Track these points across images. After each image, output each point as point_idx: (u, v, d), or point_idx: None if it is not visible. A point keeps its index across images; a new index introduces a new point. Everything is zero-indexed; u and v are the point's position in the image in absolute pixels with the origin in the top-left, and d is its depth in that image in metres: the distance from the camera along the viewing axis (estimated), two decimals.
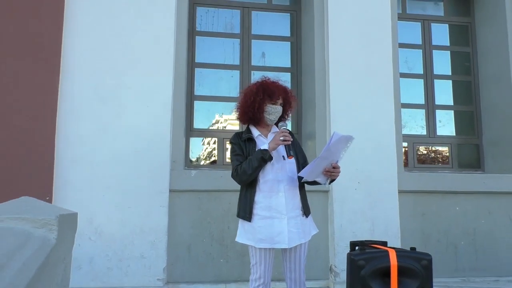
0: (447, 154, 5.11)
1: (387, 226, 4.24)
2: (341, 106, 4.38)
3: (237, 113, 2.60)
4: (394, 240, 4.21)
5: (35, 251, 1.39)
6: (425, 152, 5.16)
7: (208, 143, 4.93)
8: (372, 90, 4.45)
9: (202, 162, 4.85)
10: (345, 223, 4.19)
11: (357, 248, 1.95)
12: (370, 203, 4.26)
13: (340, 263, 4.12)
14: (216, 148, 4.77)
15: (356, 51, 4.49)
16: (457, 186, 4.54)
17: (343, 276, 3.93)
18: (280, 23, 5.13)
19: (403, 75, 4.98)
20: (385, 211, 4.26)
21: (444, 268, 4.39)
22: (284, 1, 5.15)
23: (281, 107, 2.53)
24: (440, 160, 5.17)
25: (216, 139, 4.80)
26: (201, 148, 4.91)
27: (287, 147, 2.36)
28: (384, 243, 1.87)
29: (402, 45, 5.00)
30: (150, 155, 4.00)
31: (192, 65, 4.78)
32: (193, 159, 4.77)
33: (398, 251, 1.74)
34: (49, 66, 3.87)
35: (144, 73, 4.11)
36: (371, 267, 1.67)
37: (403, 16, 5.21)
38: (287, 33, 5.11)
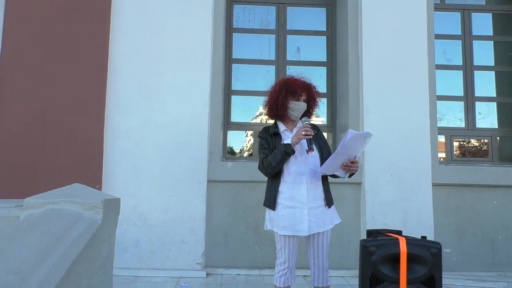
0: (487, 147, 5.00)
1: (420, 219, 4.27)
2: (374, 99, 4.43)
3: (265, 110, 2.77)
4: (427, 233, 4.23)
5: (84, 229, 1.65)
6: (464, 145, 5.09)
7: (245, 136, 5.13)
8: (406, 83, 4.45)
9: (238, 154, 5.07)
10: (377, 214, 4.26)
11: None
12: (403, 195, 4.29)
13: None
14: (252, 140, 4.97)
15: (390, 44, 4.51)
16: (495, 180, 4.46)
17: None
18: (316, 18, 5.21)
19: (441, 67, 4.93)
20: (418, 204, 4.28)
21: (479, 262, 4.36)
22: None
23: (305, 103, 2.66)
24: (480, 153, 5.07)
25: (252, 131, 4.99)
26: (238, 141, 5.13)
27: (309, 141, 2.49)
28: (399, 232, 1.97)
29: (440, 36, 4.95)
30: (189, 147, 4.27)
31: (229, 61, 4.99)
32: (230, 151, 5.00)
33: (408, 239, 1.84)
34: (97, 67, 4.23)
35: (184, 70, 4.37)
36: (381, 253, 1.79)
37: (441, 6, 5.13)
38: (323, 27, 5.18)
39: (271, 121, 2.80)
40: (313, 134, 2.47)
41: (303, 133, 2.44)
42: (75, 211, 1.69)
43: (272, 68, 5.03)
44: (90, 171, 4.12)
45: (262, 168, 2.60)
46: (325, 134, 4.70)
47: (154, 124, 4.29)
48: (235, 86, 5.02)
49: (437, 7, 5.01)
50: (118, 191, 4.01)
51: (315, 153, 2.55)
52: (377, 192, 4.30)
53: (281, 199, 2.55)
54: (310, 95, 2.68)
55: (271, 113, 2.70)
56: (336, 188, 2.77)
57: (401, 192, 4.30)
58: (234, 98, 5.00)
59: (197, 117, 4.34)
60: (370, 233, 2.05)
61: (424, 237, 1.86)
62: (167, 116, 4.30)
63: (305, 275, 3.99)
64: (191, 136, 4.30)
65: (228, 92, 4.93)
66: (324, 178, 2.62)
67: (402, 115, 4.40)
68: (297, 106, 2.61)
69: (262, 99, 4.94)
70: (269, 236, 4.30)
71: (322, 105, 4.91)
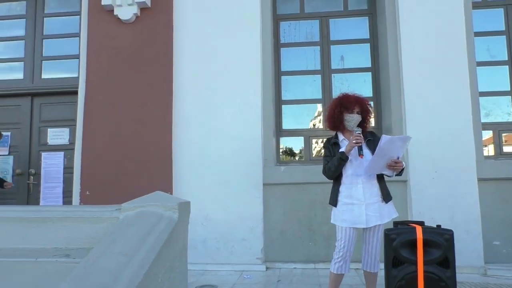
0: None
1: (466, 213, 4.44)
2: (416, 100, 4.68)
3: (326, 123, 3.27)
4: (475, 226, 4.41)
5: (165, 225, 2.20)
6: None
7: (296, 142, 5.56)
8: (446, 82, 4.65)
9: (291, 159, 5.51)
10: (423, 210, 4.50)
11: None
12: (449, 191, 4.50)
13: None
14: (303, 145, 5.39)
15: (428, 45, 4.73)
16: None
17: None
18: (358, 27, 5.52)
19: (484, 63, 5.04)
20: (464, 199, 4.46)
21: None
22: (359, 6, 5.53)
23: (359, 115, 3.08)
24: None
25: (303, 137, 5.42)
26: (290, 146, 5.57)
27: (359, 148, 2.90)
28: (421, 223, 2.30)
29: (482, 34, 5.07)
30: (245, 154, 4.79)
31: (278, 73, 5.46)
32: (283, 156, 5.46)
33: (425, 227, 2.18)
34: (164, 90, 4.92)
35: (237, 86, 4.91)
36: (401, 239, 2.15)
37: (483, 4, 5.22)
38: (366, 35, 5.48)
39: (321, 126, 3.25)
40: (362, 141, 2.89)
41: (354, 141, 2.87)
42: (158, 212, 2.25)
43: (318, 78, 5.43)
44: (162, 179, 4.79)
45: (324, 172, 3.10)
46: None
47: (213, 135, 4.87)
48: (284, 96, 5.48)
49: (478, 5, 5.13)
50: (186, 195, 4.62)
51: (367, 157, 2.94)
52: (422, 189, 4.54)
53: (341, 197, 2.99)
54: (363, 107, 3.10)
55: (330, 125, 3.19)
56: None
57: (446, 188, 4.51)
58: (285, 108, 5.46)
59: (251, 127, 4.85)
60: (396, 224, 2.41)
61: (439, 226, 2.20)
62: (224, 127, 4.86)
63: (357, 268, 4.33)
64: (247, 144, 4.82)
65: (279, 102, 5.40)
66: (380, 177, 3.02)
67: (444, 113, 4.61)
68: (351, 118, 3.05)
69: (310, 106, 5.42)
70: (321, 232, 4.70)
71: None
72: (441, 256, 2.10)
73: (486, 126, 4.96)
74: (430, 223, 4.37)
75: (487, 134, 5.04)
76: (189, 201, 2.51)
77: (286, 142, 5.49)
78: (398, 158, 2.90)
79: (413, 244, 2.13)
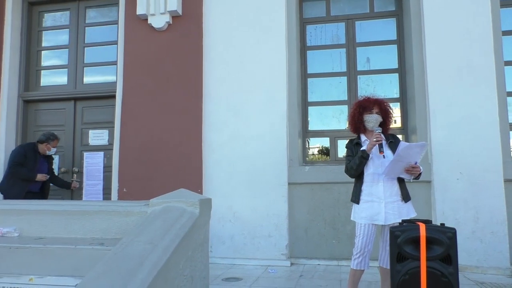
0: None
1: (492, 214, 4.43)
2: (440, 101, 4.70)
3: (348, 127, 3.42)
4: (501, 228, 4.39)
5: (188, 219, 2.43)
6: None
7: (322, 142, 5.70)
8: (472, 82, 4.64)
9: (316, 159, 5.65)
10: (447, 210, 4.53)
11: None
12: (473, 192, 4.49)
13: None
14: (328, 146, 5.53)
15: (453, 45, 4.74)
16: None
17: None
18: (385, 28, 5.57)
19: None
20: (489, 200, 4.45)
21: None
22: (386, 7, 5.58)
23: (378, 115, 3.21)
24: None
25: (328, 138, 5.54)
26: (315, 147, 5.71)
27: (380, 146, 3.03)
28: (427, 221, 2.40)
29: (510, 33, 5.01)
30: (271, 155, 4.99)
31: (305, 76, 5.62)
32: (308, 157, 5.61)
33: (428, 225, 2.28)
34: (194, 95, 5.22)
35: (263, 89, 5.11)
36: (405, 236, 2.27)
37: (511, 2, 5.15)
38: (393, 36, 5.53)
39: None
40: (383, 139, 3.02)
41: (374, 139, 3.01)
42: (181, 207, 2.49)
43: (344, 79, 5.54)
44: (193, 178, 5.07)
45: (346, 171, 3.25)
46: (399, 136, 5.08)
47: (241, 137, 5.10)
48: (311, 98, 5.62)
49: (506, 4, 5.07)
50: (215, 194, 4.89)
51: (389, 156, 3.06)
52: (447, 190, 4.56)
53: (363, 195, 3.14)
54: (381, 108, 3.24)
55: (352, 128, 3.35)
56: (407, 186, 3.21)
57: (471, 188, 4.51)
58: (311, 109, 5.61)
59: (276, 128, 5.04)
60: (403, 222, 2.54)
61: (442, 224, 2.30)
62: (251, 129, 5.08)
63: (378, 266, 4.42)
64: (273, 145, 5.01)
65: (305, 104, 5.55)
66: (400, 178, 3.13)
67: (469, 114, 4.60)
68: (370, 118, 3.19)
69: (336, 108, 5.54)
70: (345, 231, 4.82)
71: (395, 109, 5.34)
72: (444, 253, 2.21)
73: None
74: (454, 224, 4.43)
75: None
76: (210, 198, 2.74)
77: (312, 143, 5.64)
78: (415, 163, 3.01)
79: (416, 241, 2.25)
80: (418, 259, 2.23)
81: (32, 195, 4.90)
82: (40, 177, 4.92)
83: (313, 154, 5.69)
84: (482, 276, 4.27)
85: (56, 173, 5.48)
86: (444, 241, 2.22)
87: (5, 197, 4.91)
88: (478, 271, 4.37)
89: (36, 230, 2.70)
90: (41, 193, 5.05)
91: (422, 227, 2.25)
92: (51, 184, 5.23)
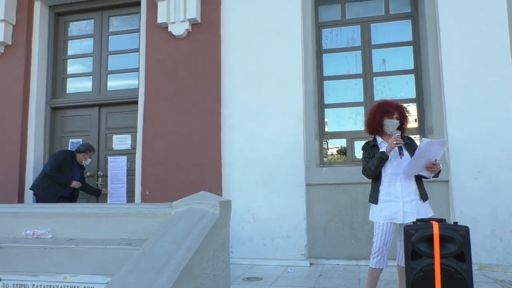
0: None
1: (511, 212, 4.43)
2: (456, 101, 4.73)
3: (365, 128, 3.49)
4: None
5: (209, 220, 2.57)
6: None
7: (339, 143, 5.78)
8: (488, 81, 4.67)
9: (335, 159, 5.73)
10: (465, 209, 4.55)
11: None
12: (491, 190, 4.51)
13: None
14: (345, 147, 5.60)
15: (468, 46, 4.78)
16: None
17: None
18: (400, 30, 5.62)
19: None
20: (508, 198, 4.46)
21: None
22: (402, 9, 5.62)
23: (397, 120, 3.28)
24: None
25: (345, 139, 5.62)
26: (332, 148, 5.80)
27: (399, 148, 3.12)
28: (441, 220, 2.48)
29: None
30: (289, 157, 5.10)
31: (321, 79, 5.70)
32: (327, 157, 5.70)
33: (441, 224, 2.35)
34: (213, 99, 5.38)
35: (280, 92, 5.23)
36: (419, 235, 2.35)
37: None
38: (409, 38, 5.57)
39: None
40: (402, 143, 3.10)
41: (394, 142, 3.09)
42: (203, 208, 2.63)
43: (359, 81, 5.61)
44: (212, 180, 5.22)
45: (364, 172, 3.33)
46: (415, 136, 5.14)
47: (258, 139, 5.22)
48: (327, 100, 5.71)
49: None
50: (234, 195, 5.02)
51: (406, 157, 3.15)
52: (464, 188, 4.59)
53: (381, 195, 3.21)
54: (401, 113, 3.32)
55: (369, 130, 3.42)
56: (425, 186, 3.26)
57: (489, 187, 4.53)
58: (327, 111, 5.70)
59: (293, 130, 5.15)
60: (417, 221, 2.62)
61: (455, 223, 2.37)
62: (268, 131, 5.20)
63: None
64: (290, 147, 5.12)
65: (321, 106, 5.64)
66: (418, 177, 3.21)
67: (486, 113, 4.62)
68: (391, 123, 3.27)
69: (352, 109, 5.61)
70: (363, 231, 4.89)
71: (411, 109, 5.39)
72: (457, 251, 2.28)
73: None
74: (473, 222, 4.46)
75: None
76: (230, 200, 2.87)
77: (329, 144, 5.73)
78: (436, 160, 3.07)
79: (430, 239, 2.32)
80: (432, 256, 2.31)
81: (64, 199, 5.17)
82: (75, 184, 5.24)
83: (332, 154, 5.78)
84: (503, 274, 4.28)
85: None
86: (457, 239, 2.29)
87: (37, 198, 5.19)
88: (498, 270, 4.39)
89: (67, 231, 2.88)
90: (70, 197, 5.32)
91: (436, 226, 2.33)
92: (80, 191, 5.49)
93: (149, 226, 2.72)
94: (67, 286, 2.40)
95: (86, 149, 5.34)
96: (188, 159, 5.36)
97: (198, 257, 2.25)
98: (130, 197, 5.81)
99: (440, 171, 3.12)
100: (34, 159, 5.98)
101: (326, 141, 5.73)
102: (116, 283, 1.84)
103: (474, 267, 4.33)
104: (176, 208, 2.70)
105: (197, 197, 2.81)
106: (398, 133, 3.18)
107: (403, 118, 3.31)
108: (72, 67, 6.51)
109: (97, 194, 5.70)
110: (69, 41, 6.56)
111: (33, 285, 2.47)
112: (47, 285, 2.44)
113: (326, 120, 5.73)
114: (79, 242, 2.67)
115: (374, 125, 3.32)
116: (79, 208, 2.99)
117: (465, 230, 2.30)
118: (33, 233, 2.88)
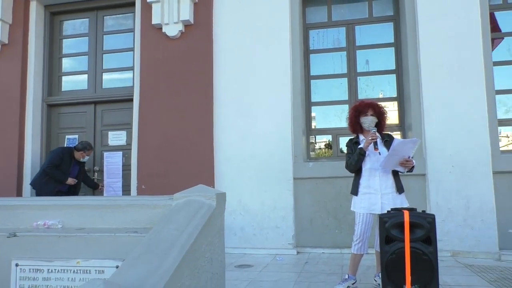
0: None
1: (482, 203, 4.82)
2: (433, 100, 5.09)
3: (348, 128, 3.82)
4: (490, 216, 4.78)
5: (206, 210, 2.87)
6: None
7: (325, 140, 6.11)
8: (463, 82, 5.02)
9: (321, 154, 6.06)
10: (440, 201, 4.92)
11: None
12: (465, 183, 4.89)
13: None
14: (331, 143, 5.93)
15: (445, 48, 5.12)
16: None
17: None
18: (383, 32, 5.94)
19: (505, 63, 5.34)
20: (479, 190, 4.84)
21: None
22: (385, 12, 5.95)
23: (373, 117, 3.61)
24: None
25: (330, 135, 5.95)
26: (318, 144, 6.12)
27: (374, 143, 3.44)
28: (412, 209, 2.81)
29: (504, 34, 5.37)
30: (277, 152, 5.41)
31: (308, 78, 6.01)
32: (315, 151, 6.02)
33: (412, 212, 2.69)
34: (206, 98, 5.65)
35: (269, 91, 5.53)
36: (391, 222, 2.68)
37: (504, 6, 5.49)
38: (390, 40, 5.90)
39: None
40: (377, 138, 3.45)
41: (369, 138, 3.42)
42: (201, 200, 2.93)
43: (344, 81, 5.93)
44: (205, 175, 5.51)
45: (347, 167, 3.68)
46: (396, 133, 5.49)
47: (249, 136, 5.52)
48: (314, 98, 6.02)
49: (499, 7, 5.43)
50: (226, 188, 5.30)
51: (384, 154, 3.47)
52: (440, 182, 4.95)
53: (361, 188, 3.57)
54: (375, 110, 3.65)
55: (351, 129, 3.78)
56: (403, 180, 3.61)
57: (463, 180, 4.90)
58: (314, 109, 6.02)
59: (282, 127, 5.46)
60: (391, 210, 2.95)
61: (423, 211, 2.71)
62: (258, 129, 5.50)
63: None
64: (279, 143, 5.43)
65: (308, 104, 5.95)
66: (395, 172, 3.55)
67: (461, 111, 4.99)
68: (366, 119, 3.61)
69: (337, 107, 5.92)
70: (347, 221, 5.23)
71: (392, 108, 5.73)
72: (425, 235, 2.62)
73: (508, 122, 5.27)
74: (447, 213, 4.84)
75: (510, 130, 5.35)
76: (225, 192, 3.17)
77: (316, 140, 6.05)
78: (409, 157, 3.41)
79: (401, 226, 2.66)
80: (403, 240, 2.64)
81: (61, 194, 5.40)
82: (70, 181, 5.47)
83: (319, 148, 6.11)
84: (473, 260, 4.67)
85: None
86: (425, 225, 2.63)
87: (37, 193, 5.42)
88: (470, 256, 4.77)
89: (76, 222, 3.14)
90: (68, 192, 5.54)
91: (406, 214, 2.67)
92: (82, 184, 5.79)
93: (152, 216, 3.00)
94: (80, 270, 2.69)
95: (84, 147, 5.56)
96: (182, 155, 5.63)
97: (198, 242, 2.54)
98: (126, 191, 6.07)
99: (413, 167, 3.46)
100: (32, 155, 6.19)
101: (315, 136, 6.06)
102: (131, 262, 2.13)
103: (447, 254, 4.76)
104: (176, 199, 2.98)
105: (196, 189, 3.10)
106: (374, 130, 3.52)
107: (379, 115, 3.64)
108: (68, 65, 6.71)
109: (96, 187, 5.97)
110: (64, 40, 6.75)
111: (48, 269, 2.74)
112: (61, 269, 2.72)
113: (313, 114, 6.05)
114: (88, 231, 2.94)
115: (354, 125, 3.68)
116: (87, 200, 3.25)
117: (432, 218, 2.64)
118: (44, 223, 3.14)
